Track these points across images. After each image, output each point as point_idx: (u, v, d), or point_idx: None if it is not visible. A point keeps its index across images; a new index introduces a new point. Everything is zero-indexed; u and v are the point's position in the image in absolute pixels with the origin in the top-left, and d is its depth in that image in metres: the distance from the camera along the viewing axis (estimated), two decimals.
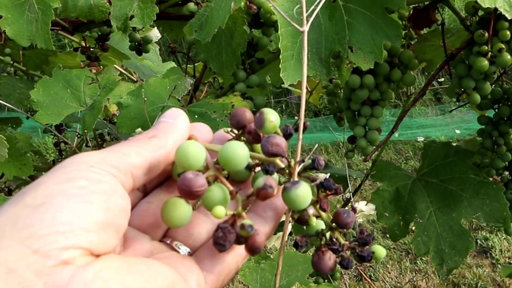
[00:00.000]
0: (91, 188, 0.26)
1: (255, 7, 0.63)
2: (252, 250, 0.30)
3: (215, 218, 0.29)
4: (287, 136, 0.31)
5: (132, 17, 0.65)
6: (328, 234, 0.30)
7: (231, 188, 0.30)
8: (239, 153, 0.30)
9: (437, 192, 0.77)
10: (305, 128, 0.32)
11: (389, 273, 2.38)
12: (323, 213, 0.30)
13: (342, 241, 0.30)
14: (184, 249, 0.32)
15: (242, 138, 0.33)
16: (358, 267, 2.05)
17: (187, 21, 0.62)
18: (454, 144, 0.80)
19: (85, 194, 0.26)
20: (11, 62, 0.78)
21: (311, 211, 0.31)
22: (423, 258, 2.38)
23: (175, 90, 0.61)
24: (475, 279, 2.32)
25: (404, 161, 3.12)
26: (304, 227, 0.31)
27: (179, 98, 0.64)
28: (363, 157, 0.71)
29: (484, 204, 0.73)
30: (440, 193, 0.76)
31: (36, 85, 0.64)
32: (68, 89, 0.64)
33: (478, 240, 2.55)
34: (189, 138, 0.33)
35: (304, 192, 0.29)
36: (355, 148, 0.71)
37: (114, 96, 0.63)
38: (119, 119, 0.59)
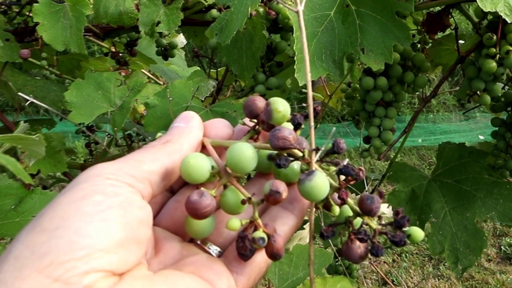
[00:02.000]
0: (107, 203, 0.26)
1: (273, 12, 0.67)
2: (273, 256, 0.29)
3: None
4: (296, 126, 0.30)
5: (158, 23, 0.69)
6: (356, 221, 0.28)
7: (245, 194, 0.29)
8: (245, 156, 0.29)
9: (451, 192, 0.79)
10: (316, 113, 0.30)
11: (412, 278, 2.37)
12: (348, 200, 0.29)
13: (374, 225, 0.28)
14: (214, 249, 0.32)
15: (258, 127, 0.33)
16: (380, 272, 2.06)
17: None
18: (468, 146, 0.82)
19: (102, 211, 0.26)
20: (47, 66, 0.83)
21: (337, 197, 0.29)
22: (446, 264, 2.37)
23: (198, 91, 0.65)
24: (498, 285, 2.30)
25: (428, 167, 3.11)
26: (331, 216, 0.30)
27: (202, 99, 0.68)
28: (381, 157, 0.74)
29: (497, 203, 0.75)
30: (455, 193, 0.79)
31: (70, 87, 0.69)
32: (99, 90, 0.69)
33: (502, 247, 2.53)
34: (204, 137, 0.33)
35: (318, 183, 0.28)
36: (370, 147, 0.74)
37: (141, 97, 0.67)
38: (146, 118, 0.63)
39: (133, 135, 0.91)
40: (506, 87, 0.71)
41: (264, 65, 0.70)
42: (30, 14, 0.73)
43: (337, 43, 0.56)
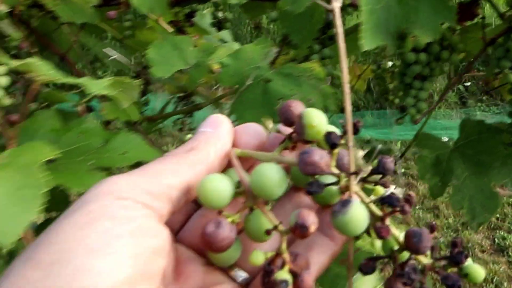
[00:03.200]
0: (117, 231, 0.23)
1: None
2: None
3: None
4: (331, 146, 0.26)
5: None
6: (402, 255, 0.25)
7: (272, 221, 0.26)
8: (270, 181, 0.25)
9: (471, 161, 0.90)
10: (356, 130, 0.26)
11: None
12: (393, 231, 0.25)
13: (425, 260, 0.24)
14: (240, 275, 0.29)
15: (294, 136, 0.29)
16: None
17: (263, 2, 0.76)
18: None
19: (109, 242, 0.22)
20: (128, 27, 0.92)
21: (377, 233, 0.25)
22: None
23: (266, 55, 0.75)
24: (491, 274, 2.43)
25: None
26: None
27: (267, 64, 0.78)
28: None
29: (511, 172, 0.87)
30: (474, 162, 0.90)
31: (151, 46, 0.79)
32: (175, 51, 0.79)
33: (496, 239, 2.66)
34: (233, 146, 0.29)
35: (354, 217, 0.24)
36: (405, 115, 0.85)
37: (214, 58, 0.77)
38: (221, 75, 0.73)
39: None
40: None
41: (319, 38, 0.81)
42: None
43: (392, 20, 0.67)
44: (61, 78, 0.56)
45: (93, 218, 0.23)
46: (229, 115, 0.89)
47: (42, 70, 0.56)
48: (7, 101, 0.61)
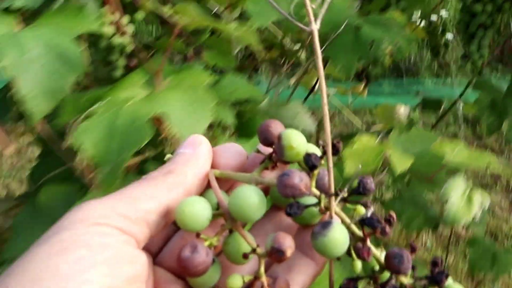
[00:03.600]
0: (91, 260, 0.22)
1: None
2: None
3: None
4: (311, 168, 0.25)
5: None
6: (383, 276, 0.25)
7: (250, 244, 0.25)
8: (249, 204, 0.25)
9: None
10: (336, 151, 0.25)
11: None
12: (374, 251, 0.25)
13: (405, 281, 0.24)
14: None
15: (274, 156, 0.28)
16: None
17: None
18: None
19: (83, 271, 0.21)
20: None
21: (357, 254, 0.25)
22: None
23: (352, 6, 0.86)
24: (511, 232, 2.57)
25: (445, 127, 3.34)
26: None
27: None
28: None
29: None
30: None
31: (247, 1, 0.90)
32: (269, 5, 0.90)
33: None
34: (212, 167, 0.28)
35: (335, 239, 0.24)
36: (468, 61, 0.96)
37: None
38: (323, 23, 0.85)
39: None
40: None
41: None
42: None
43: None
44: (210, 22, 0.67)
45: (67, 247, 0.22)
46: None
47: (193, 14, 0.67)
48: (131, 47, 0.70)
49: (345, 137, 0.85)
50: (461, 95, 1.07)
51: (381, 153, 0.65)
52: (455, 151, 0.73)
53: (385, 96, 3.45)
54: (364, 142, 0.68)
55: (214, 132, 0.64)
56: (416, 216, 0.90)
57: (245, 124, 0.66)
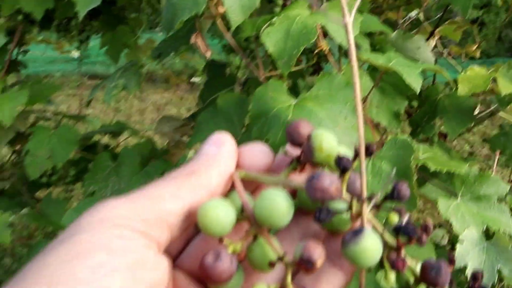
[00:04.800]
0: (112, 265, 0.21)
1: None
2: None
3: None
4: (342, 170, 0.24)
5: None
6: None
7: (277, 251, 0.24)
8: (276, 209, 0.24)
9: None
10: (370, 153, 0.24)
11: None
12: (408, 266, 0.23)
13: None
14: None
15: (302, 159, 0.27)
16: None
17: None
18: None
19: (103, 277, 0.20)
20: None
21: (391, 264, 0.23)
22: None
23: None
24: None
25: None
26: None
27: None
28: None
29: None
30: None
31: None
32: None
33: None
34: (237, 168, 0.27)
35: (367, 248, 0.23)
36: None
37: None
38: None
39: None
40: None
41: None
42: None
43: None
44: None
45: (86, 250, 0.21)
46: None
47: None
48: None
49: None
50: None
51: (490, 78, 0.78)
52: None
53: None
54: (476, 70, 0.80)
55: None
56: None
57: (376, 50, 0.81)
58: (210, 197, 0.25)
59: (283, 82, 0.64)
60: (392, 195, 0.23)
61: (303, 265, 0.23)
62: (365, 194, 0.24)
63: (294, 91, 0.66)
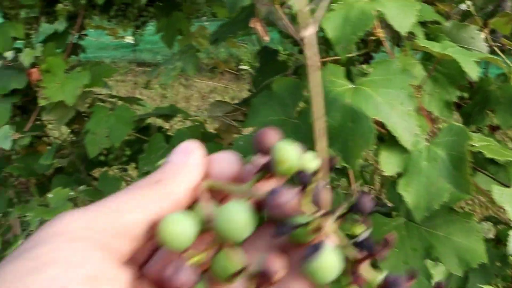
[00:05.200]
0: (67, 278, 0.20)
1: None
2: None
3: None
4: (303, 185, 0.24)
5: None
6: None
7: (239, 263, 0.24)
8: (235, 223, 0.24)
9: None
10: (332, 166, 0.24)
11: None
12: (371, 276, 0.23)
13: None
14: None
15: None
16: None
17: None
18: None
19: None
20: None
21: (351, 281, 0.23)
22: None
23: None
24: None
25: None
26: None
27: None
28: None
29: None
30: None
31: None
32: None
33: None
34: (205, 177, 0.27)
35: (324, 264, 0.23)
36: None
37: None
38: None
39: None
40: None
41: None
42: None
43: None
44: None
45: (41, 264, 0.20)
46: None
47: None
48: None
49: None
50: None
51: None
52: None
53: None
54: None
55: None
56: None
57: (430, 39, 0.81)
58: (175, 207, 0.25)
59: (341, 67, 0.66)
60: (356, 207, 0.23)
61: (261, 278, 0.23)
62: (327, 207, 0.24)
63: (347, 77, 0.67)
